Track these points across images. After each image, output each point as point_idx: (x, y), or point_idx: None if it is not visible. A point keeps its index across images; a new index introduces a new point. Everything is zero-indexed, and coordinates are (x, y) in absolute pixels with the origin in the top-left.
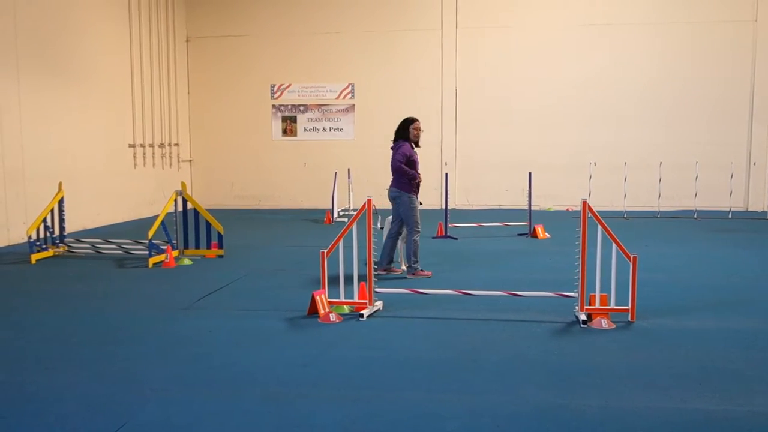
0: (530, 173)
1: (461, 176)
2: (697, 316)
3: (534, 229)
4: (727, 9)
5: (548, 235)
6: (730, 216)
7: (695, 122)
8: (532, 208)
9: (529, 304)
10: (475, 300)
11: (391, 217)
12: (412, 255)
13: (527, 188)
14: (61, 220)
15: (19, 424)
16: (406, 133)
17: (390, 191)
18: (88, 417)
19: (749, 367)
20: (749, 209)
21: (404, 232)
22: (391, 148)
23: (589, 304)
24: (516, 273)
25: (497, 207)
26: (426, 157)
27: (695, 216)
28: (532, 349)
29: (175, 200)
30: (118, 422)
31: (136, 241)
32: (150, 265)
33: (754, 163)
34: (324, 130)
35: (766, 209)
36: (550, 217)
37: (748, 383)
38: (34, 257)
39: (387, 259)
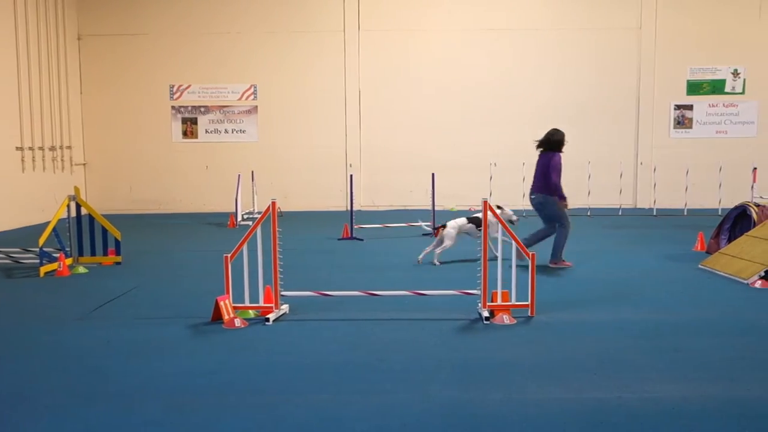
0: (433, 174)
1: (366, 177)
2: (593, 309)
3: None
4: (615, 17)
5: None
6: (620, 213)
7: (588, 124)
8: (437, 209)
9: (434, 302)
10: (382, 300)
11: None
12: (559, 247)
13: (431, 189)
14: None
15: None
16: (561, 145)
17: (535, 197)
18: None
19: (640, 356)
20: (637, 206)
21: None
22: (541, 157)
23: (492, 301)
24: (421, 273)
25: (402, 208)
26: (331, 158)
27: (588, 213)
28: (437, 347)
29: (68, 205)
30: None
31: (25, 249)
32: (41, 274)
33: (641, 163)
34: (226, 131)
35: (652, 206)
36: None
37: (639, 371)
38: None
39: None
